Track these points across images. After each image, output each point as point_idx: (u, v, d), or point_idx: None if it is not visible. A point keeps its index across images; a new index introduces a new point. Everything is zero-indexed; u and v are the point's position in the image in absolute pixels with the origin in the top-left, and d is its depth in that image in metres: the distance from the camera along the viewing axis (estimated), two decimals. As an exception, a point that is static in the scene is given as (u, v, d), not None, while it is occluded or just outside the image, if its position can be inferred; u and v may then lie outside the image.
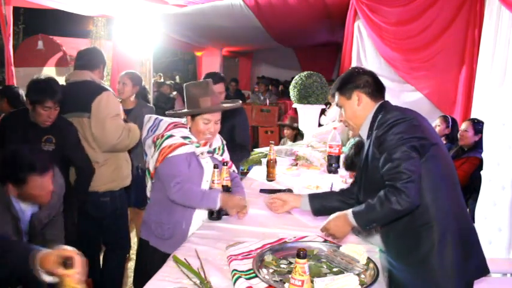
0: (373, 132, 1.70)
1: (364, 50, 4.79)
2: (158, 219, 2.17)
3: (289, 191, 2.64)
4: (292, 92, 4.59)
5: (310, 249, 1.75)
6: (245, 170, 3.55)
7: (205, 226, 2.10)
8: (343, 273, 1.57)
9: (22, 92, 3.63)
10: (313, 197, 1.98)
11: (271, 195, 2.11)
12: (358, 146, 2.33)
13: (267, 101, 8.69)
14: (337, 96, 1.84)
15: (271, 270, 1.60)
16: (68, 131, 2.66)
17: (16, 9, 4.78)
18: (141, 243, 2.30)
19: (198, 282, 1.52)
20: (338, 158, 3.18)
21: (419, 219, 1.61)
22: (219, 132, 2.34)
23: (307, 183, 2.91)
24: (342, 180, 2.96)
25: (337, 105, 1.87)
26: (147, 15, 5.66)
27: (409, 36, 4.41)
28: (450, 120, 4.01)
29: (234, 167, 2.49)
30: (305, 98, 4.48)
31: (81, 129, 2.74)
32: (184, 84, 2.22)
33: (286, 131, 5.81)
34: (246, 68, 12.28)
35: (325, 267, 1.63)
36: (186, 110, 2.17)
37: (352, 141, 3.38)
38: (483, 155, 3.04)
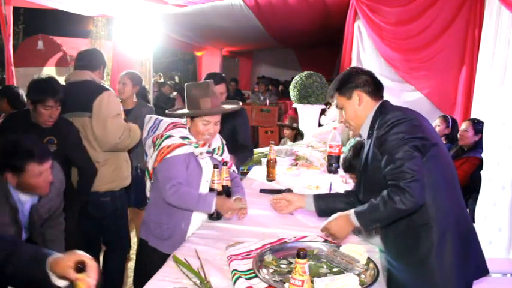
0: (373, 132, 1.70)
1: (364, 50, 4.79)
2: (157, 220, 2.18)
3: (289, 191, 2.64)
4: (292, 92, 4.60)
5: (310, 249, 1.75)
6: (245, 170, 3.55)
7: (205, 226, 2.10)
8: (343, 273, 1.57)
9: (22, 92, 3.63)
10: (318, 198, 1.97)
11: (276, 196, 2.09)
12: (356, 148, 2.32)
13: (267, 101, 8.69)
14: (336, 98, 1.82)
15: (271, 270, 1.60)
16: (70, 132, 2.65)
17: (16, 9, 4.78)
18: (141, 243, 2.30)
19: (198, 282, 1.52)
20: (338, 158, 3.18)
21: (418, 219, 1.61)
22: (220, 133, 2.34)
23: (307, 183, 2.91)
24: (341, 180, 2.96)
25: (336, 106, 1.85)
26: (147, 15, 5.66)
27: (409, 36, 4.41)
28: (450, 120, 4.01)
29: (234, 167, 2.49)
30: (305, 98, 4.48)
31: (82, 129, 2.74)
32: (185, 84, 2.21)
33: (286, 131, 5.81)
34: (246, 68, 12.28)
35: (325, 267, 1.63)
36: (186, 111, 2.17)
37: (352, 141, 3.39)
38: (483, 155, 3.04)
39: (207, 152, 2.20)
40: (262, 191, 2.72)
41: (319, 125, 4.86)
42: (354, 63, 4.77)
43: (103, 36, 10.07)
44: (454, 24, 4.17)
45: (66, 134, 2.62)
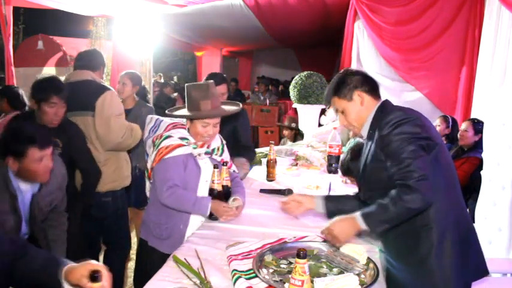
0: (374, 131, 1.69)
1: (364, 50, 4.79)
2: (156, 220, 2.18)
3: (289, 191, 2.65)
4: (292, 92, 4.60)
5: (310, 249, 1.75)
6: (245, 170, 3.54)
7: (205, 226, 2.10)
8: (343, 273, 1.57)
9: (22, 92, 3.63)
10: (328, 199, 1.93)
11: (285, 198, 2.03)
12: (354, 150, 2.31)
13: (267, 101, 8.70)
14: (335, 102, 1.78)
15: (271, 270, 1.60)
16: (75, 134, 2.64)
17: (16, 9, 4.78)
18: (141, 243, 2.31)
19: (198, 282, 1.52)
20: (338, 158, 3.18)
21: (418, 220, 1.60)
22: (220, 133, 2.34)
23: (307, 183, 2.91)
24: (341, 180, 2.96)
25: (336, 111, 1.81)
26: (147, 15, 5.66)
27: (409, 36, 4.41)
28: (450, 120, 4.02)
29: (234, 167, 2.49)
30: (305, 98, 4.48)
31: (84, 128, 2.74)
32: (185, 85, 2.21)
33: (285, 132, 5.82)
34: (246, 68, 12.28)
35: (325, 267, 1.63)
36: (185, 113, 2.16)
37: (352, 141, 3.39)
38: (483, 155, 3.04)
39: (206, 153, 2.20)
40: (262, 191, 2.72)
41: (319, 125, 4.86)
42: (354, 63, 4.77)
43: (103, 36, 10.06)
44: (454, 24, 4.17)
45: (72, 136, 2.61)
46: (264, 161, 3.20)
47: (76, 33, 10.37)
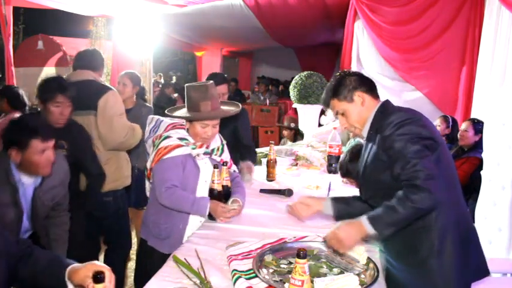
0: (375, 132, 1.68)
1: (364, 50, 4.79)
2: (156, 219, 2.18)
3: (289, 191, 2.65)
4: (292, 92, 4.60)
5: (310, 249, 1.74)
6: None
7: (205, 226, 2.10)
8: (343, 273, 1.57)
9: (22, 92, 3.64)
10: (336, 201, 1.91)
11: (292, 202, 1.99)
12: (353, 152, 2.31)
13: (267, 101, 8.70)
14: (335, 104, 1.76)
15: (271, 270, 1.60)
16: (81, 136, 2.62)
17: (16, 9, 4.78)
18: (141, 242, 2.31)
19: (198, 282, 1.52)
20: (338, 158, 3.17)
21: (419, 220, 1.59)
22: (221, 134, 2.34)
23: (307, 183, 2.91)
24: (341, 180, 2.96)
25: (336, 113, 1.79)
26: (147, 15, 5.66)
27: (409, 36, 4.41)
28: (450, 120, 4.02)
29: (234, 167, 2.49)
30: (305, 98, 4.48)
31: (86, 127, 2.74)
32: (185, 85, 2.20)
33: (285, 132, 5.82)
34: (246, 68, 12.28)
35: (325, 267, 1.63)
36: (185, 114, 2.15)
37: (352, 141, 3.39)
38: (483, 155, 3.04)
39: (205, 153, 2.19)
40: (262, 191, 2.72)
41: (319, 125, 4.86)
42: (354, 63, 4.77)
43: (103, 36, 10.05)
44: (454, 24, 4.17)
45: (78, 138, 2.59)
46: (264, 161, 3.20)
47: (76, 33, 10.36)
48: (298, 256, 1.25)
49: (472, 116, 3.81)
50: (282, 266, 1.64)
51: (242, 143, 3.01)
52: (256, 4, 5.60)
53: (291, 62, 11.20)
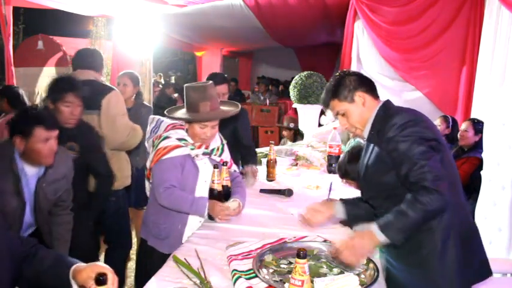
0: (376, 133, 1.66)
1: (364, 50, 4.79)
2: (155, 219, 2.19)
3: (289, 191, 2.65)
4: (292, 92, 4.60)
5: (310, 249, 1.74)
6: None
7: (205, 226, 2.10)
8: (343, 273, 1.56)
9: (22, 92, 3.64)
10: (346, 203, 1.88)
11: (303, 211, 1.92)
12: (351, 153, 2.30)
13: (267, 101, 8.70)
14: (336, 105, 1.74)
15: (271, 270, 1.60)
16: (92, 137, 2.60)
17: (16, 9, 4.78)
18: (141, 242, 2.32)
19: (198, 282, 1.52)
20: (338, 158, 3.18)
21: None
22: (221, 133, 2.34)
23: (307, 183, 2.91)
24: (342, 180, 2.95)
25: (337, 114, 1.76)
26: (147, 15, 5.66)
27: (409, 36, 4.41)
28: (450, 120, 4.02)
29: (235, 167, 2.49)
30: (305, 98, 4.49)
31: None
32: (184, 86, 2.19)
33: (285, 132, 5.83)
34: (246, 68, 12.28)
35: (325, 267, 1.63)
36: (183, 116, 2.14)
37: (352, 141, 3.39)
38: (483, 155, 3.04)
39: (204, 154, 2.19)
40: (262, 191, 2.72)
41: (319, 125, 4.86)
42: (354, 63, 4.77)
43: (103, 36, 10.05)
44: (454, 24, 4.17)
45: (89, 139, 2.57)
46: (264, 161, 3.20)
47: (76, 33, 10.35)
48: (298, 256, 1.25)
49: (472, 116, 3.82)
50: (282, 266, 1.64)
51: (242, 143, 3.01)
52: (256, 4, 5.60)
53: (291, 62, 11.20)
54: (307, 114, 4.66)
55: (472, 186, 3.26)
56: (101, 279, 1.19)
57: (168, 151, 2.09)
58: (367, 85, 1.74)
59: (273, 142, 3.22)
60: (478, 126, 3.50)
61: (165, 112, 2.23)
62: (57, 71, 7.79)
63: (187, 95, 2.13)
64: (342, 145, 3.47)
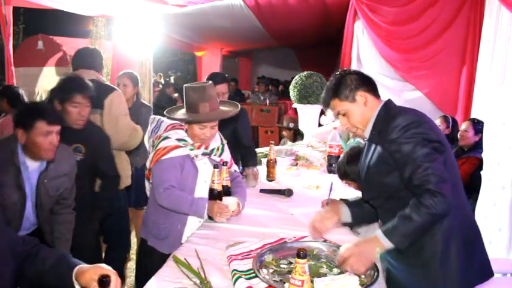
0: (377, 133, 1.64)
1: (364, 50, 4.79)
2: (155, 219, 2.19)
3: (289, 191, 2.65)
4: (292, 92, 4.60)
5: (310, 249, 1.74)
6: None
7: (205, 226, 2.10)
8: (343, 273, 1.56)
9: (22, 92, 3.64)
10: (351, 206, 1.85)
11: (315, 218, 1.85)
12: (350, 154, 2.30)
13: (267, 101, 8.70)
14: (336, 104, 1.70)
15: (271, 270, 1.60)
16: (100, 138, 2.58)
17: (16, 9, 4.78)
18: (141, 242, 2.32)
19: (198, 282, 1.52)
20: (338, 158, 3.17)
21: None
22: (221, 133, 2.34)
23: (307, 183, 2.91)
24: (341, 181, 2.95)
25: (338, 113, 1.72)
26: (147, 15, 5.66)
27: (409, 36, 4.41)
28: (450, 120, 4.02)
29: (235, 167, 2.49)
30: (305, 98, 4.49)
31: None
32: (184, 86, 2.18)
33: (285, 132, 5.83)
34: (246, 68, 12.29)
35: (325, 267, 1.63)
36: (184, 115, 2.14)
37: (352, 141, 3.39)
38: (483, 155, 3.04)
39: (204, 154, 2.19)
40: (262, 191, 2.72)
41: (319, 125, 4.87)
42: (354, 63, 4.78)
43: (103, 36, 10.05)
44: (454, 24, 4.17)
45: (97, 140, 2.54)
46: (264, 161, 3.20)
47: (76, 33, 10.35)
48: (298, 256, 1.25)
49: (472, 116, 3.82)
50: (282, 266, 1.64)
51: (242, 144, 3.01)
52: (256, 4, 5.60)
53: (291, 62, 11.21)
54: (307, 114, 4.66)
55: (472, 186, 3.26)
56: (104, 281, 1.18)
57: (167, 151, 2.09)
58: (369, 84, 1.70)
59: (273, 142, 3.22)
60: (478, 126, 3.50)
61: (164, 112, 2.23)
62: (57, 71, 7.80)
63: (186, 95, 2.13)
64: (343, 143, 3.47)
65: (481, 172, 2.99)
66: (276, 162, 3.05)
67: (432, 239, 1.57)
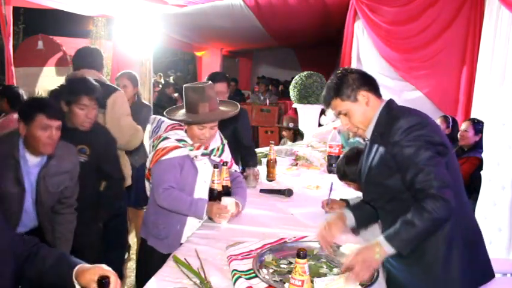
0: (380, 134, 1.61)
1: (364, 50, 4.79)
2: (155, 219, 2.19)
3: (289, 191, 2.65)
4: (292, 92, 4.60)
5: (310, 249, 1.74)
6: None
7: (205, 226, 2.10)
8: (343, 273, 1.56)
9: (22, 92, 3.64)
10: (353, 210, 1.81)
11: (322, 230, 1.77)
12: (349, 155, 2.29)
13: (267, 101, 8.70)
14: (338, 104, 1.66)
15: (271, 270, 1.60)
16: (106, 140, 2.57)
17: (16, 9, 4.78)
18: (141, 242, 2.32)
19: (198, 282, 1.52)
20: (338, 158, 3.18)
21: None
22: (221, 133, 2.34)
23: (307, 183, 2.91)
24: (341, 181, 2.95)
25: (339, 113, 1.68)
26: (147, 15, 5.66)
27: (409, 36, 4.41)
28: (450, 120, 4.02)
29: (235, 167, 2.48)
30: (305, 98, 4.49)
31: None
32: (183, 86, 2.17)
33: (285, 132, 5.83)
34: (246, 68, 12.29)
35: (325, 267, 1.63)
36: (183, 116, 2.13)
37: (352, 140, 3.39)
38: (483, 155, 3.04)
39: (203, 154, 2.18)
40: (262, 191, 2.72)
41: (319, 125, 4.87)
42: (354, 63, 4.78)
43: (103, 36, 10.07)
44: (454, 24, 4.17)
45: (102, 144, 2.53)
46: (264, 161, 3.20)
47: (76, 33, 10.35)
48: (298, 256, 1.25)
49: (472, 116, 3.82)
50: (282, 266, 1.64)
51: (242, 144, 3.01)
52: (256, 4, 5.61)
53: (291, 62, 11.21)
54: (307, 114, 4.66)
55: (472, 186, 3.26)
56: (103, 282, 1.18)
57: (166, 152, 2.09)
58: (371, 83, 1.67)
59: (273, 142, 3.22)
60: (478, 126, 3.50)
61: (164, 113, 2.22)
62: (57, 71, 7.80)
63: (186, 95, 2.12)
64: (343, 140, 3.46)
65: (481, 172, 2.99)
66: (276, 162, 3.05)
67: (434, 244, 1.55)
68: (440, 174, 1.46)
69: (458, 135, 3.64)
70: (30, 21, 12.35)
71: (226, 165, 2.24)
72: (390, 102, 1.67)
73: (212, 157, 2.23)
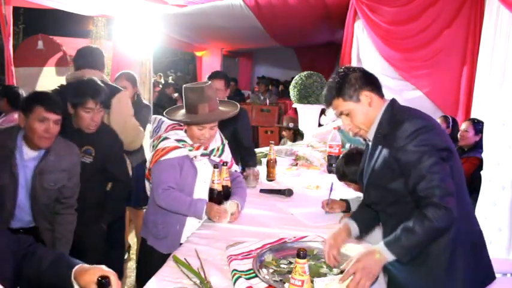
0: (382, 135, 1.58)
1: (364, 50, 4.79)
2: (154, 219, 2.19)
3: (289, 191, 2.65)
4: (292, 92, 4.61)
5: (310, 249, 1.74)
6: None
7: (205, 226, 2.10)
8: (343, 273, 1.56)
9: (22, 92, 3.64)
10: (355, 219, 1.78)
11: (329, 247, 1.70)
12: (348, 156, 2.28)
13: (267, 101, 8.70)
14: (340, 104, 1.61)
15: (271, 270, 1.60)
16: (113, 143, 2.55)
17: (16, 9, 4.78)
18: (141, 242, 2.32)
19: (198, 282, 1.52)
20: (338, 158, 3.18)
21: None
22: (221, 133, 2.33)
23: (307, 183, 2.91)
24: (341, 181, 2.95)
25: (341, 113, 1.63)
26: (147, 15, 5.66)
27: (409, 36, 4.42)
28: (450, 120, 4.02)
29: (236, 167, 2.48)
30: (305, 98, 4.50)
31: None
32: (183, 86, 2.16)
33: (285, 132, 5.83)
34: (246, 68, 12.29)
35: (325, 267, 1.63)
36: (183, 117, 2.13)
37: (354, 138, 3.38)
38: (483, 155, 3.04)
39: (203, 155, 2.18)
40: (262, 191, 2.72)
41: (319, 125, 4.87)
42: (354, 63, 4.78)
43: (103, 36, 10.06)
44: (454, 24, 4.18)
45: (108, 146, 2.51)
46: (264, 161, 3.20)
47: (76, 33, 10.35)
48: (298, 256, 1.25)
49: (472, 116, 3.82)
50: (282, 266, 1.64)
51: (242, 144, 3.01)
52: (256, 4, 5.61)
53: (291, 62, 11.20)
54: (307, 114, 4.67)
55: (472, 186, 3.24)
56: (103, 282, 1.17)
57: (166, 152, 2.09)
58: (373, 83, 1.62)
59: (273, 142, 3.22)
60: (478, 126, 3.50)
61: (164, 113, 2.22)
62: (57, 71, 7.80)
63: (185, 96, 2.11)
64: (343, 137, 3.46)
65: (481, 172, 2.99)
66: (276, 162, 3.05)
67: (437, 247, 1.53)
68: (443, 182, 1.43)
69: (458, 135, 3.64)
70: (30, 21, 12.36)
71: (226, 165, 2.23)
72: (393, 102, 1.63)
73: (212, 157, 2.23)
